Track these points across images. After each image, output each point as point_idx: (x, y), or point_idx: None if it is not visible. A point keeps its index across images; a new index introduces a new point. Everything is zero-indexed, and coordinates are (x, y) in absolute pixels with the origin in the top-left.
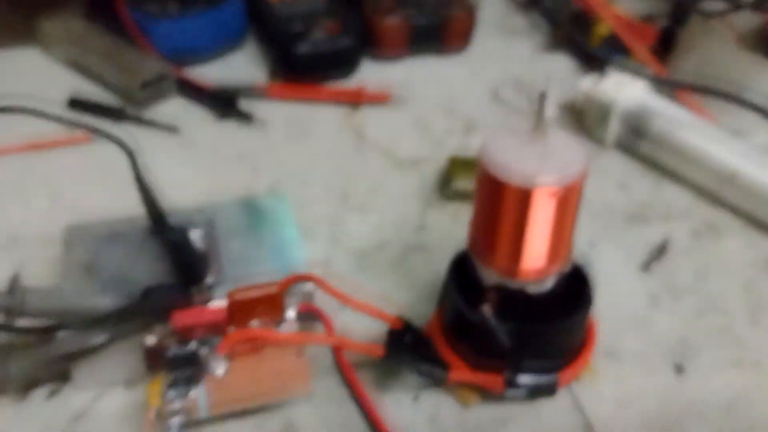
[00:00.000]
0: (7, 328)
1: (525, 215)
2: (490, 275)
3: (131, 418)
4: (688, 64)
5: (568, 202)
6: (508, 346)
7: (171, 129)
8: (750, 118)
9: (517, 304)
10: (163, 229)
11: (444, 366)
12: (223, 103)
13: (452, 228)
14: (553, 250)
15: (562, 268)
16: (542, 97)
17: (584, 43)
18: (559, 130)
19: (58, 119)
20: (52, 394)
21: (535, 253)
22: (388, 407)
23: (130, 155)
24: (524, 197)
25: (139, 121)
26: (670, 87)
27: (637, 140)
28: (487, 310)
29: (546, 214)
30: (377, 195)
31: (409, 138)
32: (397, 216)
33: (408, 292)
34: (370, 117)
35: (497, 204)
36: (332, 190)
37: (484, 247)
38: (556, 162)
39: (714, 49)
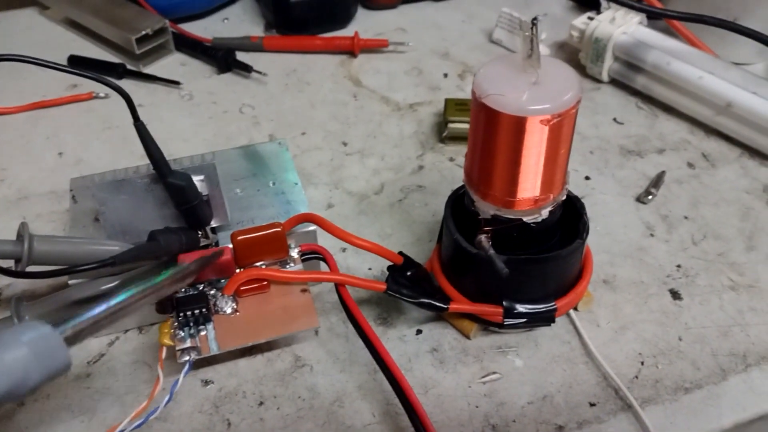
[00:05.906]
0: (18, 274)
1: (519, 144)
2: (486, 207)
3: (146, 360)
4: None
5: (561, 130)
6: (506, 274)
7: (173, 82)
8: (748, 48)
9: (513, 236)
10: (166, 174)
11: (445, 299)
12: (222, 56)
13: (450, 168)
14: (548, 178)
15: (557, 197)
16: (534, 24)
17: None
18: (552, 59)
19: (61, 74)
20: None
21: (530, 182)
22: (392, 341)
23: (128, 100)
24: (518, 126)
25: (140, 75)
26: (665, 19)
27: (632, 75)
28: (484, 239)
29: (540, 142)
30: (376, 140)
31: (405, 83)
32: (395, 159)
33: (407, 232)
34: (366, 65)
35: (492, 134)
36: (331, 136)
37: (479, 179)
38: (548, 89)
39: None
